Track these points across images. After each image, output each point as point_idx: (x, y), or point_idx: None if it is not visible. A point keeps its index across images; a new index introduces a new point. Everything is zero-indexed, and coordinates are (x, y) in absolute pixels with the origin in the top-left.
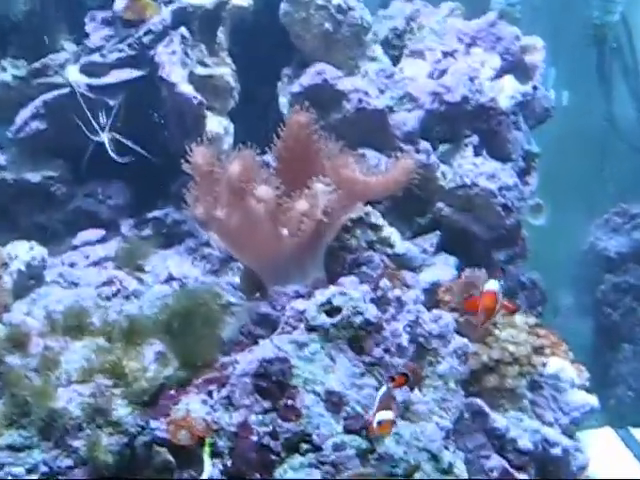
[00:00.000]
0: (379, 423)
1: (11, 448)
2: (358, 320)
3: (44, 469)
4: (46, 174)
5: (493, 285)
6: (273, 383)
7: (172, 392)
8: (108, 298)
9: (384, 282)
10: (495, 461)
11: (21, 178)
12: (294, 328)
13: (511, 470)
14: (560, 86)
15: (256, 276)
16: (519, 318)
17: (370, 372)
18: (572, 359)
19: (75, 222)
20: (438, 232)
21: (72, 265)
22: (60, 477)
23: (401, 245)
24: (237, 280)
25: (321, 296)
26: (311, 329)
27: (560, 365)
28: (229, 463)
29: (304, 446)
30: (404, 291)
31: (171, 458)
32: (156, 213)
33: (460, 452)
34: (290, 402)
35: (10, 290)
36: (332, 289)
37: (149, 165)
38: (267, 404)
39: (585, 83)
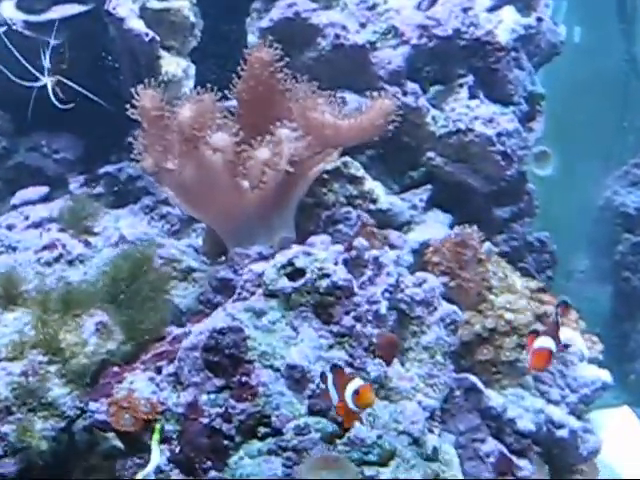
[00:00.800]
0: (356, 392)
1: None
2: (324, 284)
3: None
4: None
5: (546, 342)
6: (225, 357)
7: (116, 369)
8: (48, 264)
9: (359, 241)
10: (491, 445)
11: None
12: (251, 294)
13: (509, 455)
14: (572, 21)
15: (220, 237)
16: (519, 281)
17: (340, 344)
18: (584, 329)
19: (17, 180)
20: (429, 186)
21: (10, 228)
22: None
23: (386, 200)
24: (200, 242)
25: (282, 257)
26: (270, 295)
27: (568, 336)
28: (177, 449)
29: (262, 430)
30: (383, 251)
31: (118, 443)
32: (109, 168)
33: (450, 435)
34: (245, 379)
35: None
36: (295, 249)
37: (101, 114)
38: (219, 382)
39: (602, 19)
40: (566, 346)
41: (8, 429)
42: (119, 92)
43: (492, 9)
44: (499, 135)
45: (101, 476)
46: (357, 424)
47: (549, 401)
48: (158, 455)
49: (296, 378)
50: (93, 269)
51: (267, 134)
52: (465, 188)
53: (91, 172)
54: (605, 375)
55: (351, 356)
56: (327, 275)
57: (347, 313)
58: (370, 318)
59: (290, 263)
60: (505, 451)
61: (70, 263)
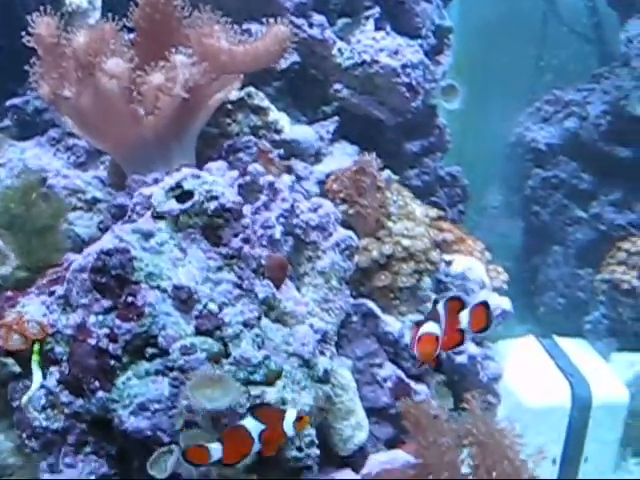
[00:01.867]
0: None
1: None
2: (213, 206)
3: None
4: None
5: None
6: (113, 278)
7: (9, 294)
8: None
9: (254, 167)
10: (389, 370)
11: None
12: (141, 217)
13: (407, 380)
14: None
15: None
16: (419, 209)
17: (228, 266)
18: (489, 260)
19: None
20: (336, 118)
21: None
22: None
23: (291, 131)
24: (106, 174)
25: (170, 179)
26: (158, 217)
27: (467, 264)
28: (67, 371)
29: (150, 350)
30: (278, 177)
31: (17, 369)
32: (15, 101)
33: (347, 360)
34: (131, 299)
35: None
36: (184, 172)
37: (4, 45)
38: (107, 303)
39: None
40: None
41: None
42: (22, 22)
43: None
44: (404, 67)
45: None
46: (243, 345)
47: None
48: (40, 376)
49: (183, 299)
50: None
51: (162, 60)
52: (373, 121)
53: None
54: (505, 303)
55: (240, 277)
56: (215, 197)
57: (236, 235)
58: (263, 242)
59: (178, 185)
60: (403, 376)
61: None
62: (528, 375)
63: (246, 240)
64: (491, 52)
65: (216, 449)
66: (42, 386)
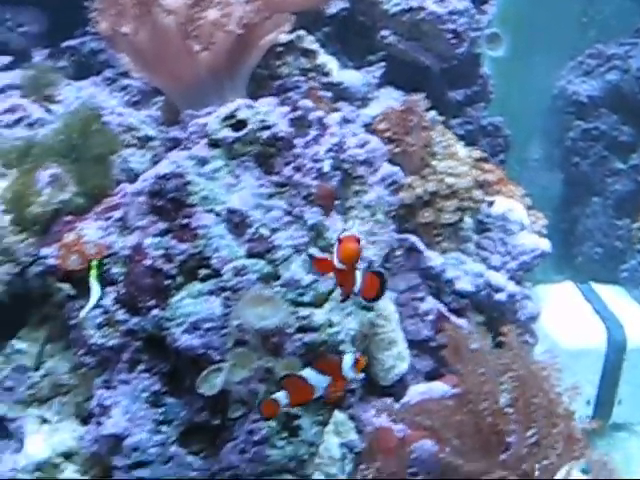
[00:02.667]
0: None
1: None
2: (265, 135)
3: None
4: None
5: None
6: (169, 201)
7: (68, 218)
8: (9, 126)
9: (304, 102)
10: (430, 304)
11: None
12: (196, 145)
13: (447, 314)
14: None
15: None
16: (463, 150)
17: (280, 193)
18: (529, 206)
19: None
20: (383, 63)
21: None
22: None
23: (339, 74)
24: (159, 113)
25: (225, 109)
26: (213, 144)
27: (508, 205)
28: (123, 290)
29: (203, 271)
30: (327, 113)
31: (72, 292)
32: (72, 42)
33: (390, 293)
34: (186, 221)
35: None
36: (238, 102)
37: None
38: (163, 225)
39: None
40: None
41: None
42: None
43: None
44: (450, 13)
45: (54, 325)
46: (293, 267)
47: (489, 266)
48: (97, 291)
49: (236, 222)
50: (51, 132)
51: None
52: (418, 67)
53: (55, 46)
54: (544, 244)
55: (290, 204)
56: (268, 127)
57: (287, 164)
58: (314, 174)
59: (233, 114)
60: (443, 310)
61: (30, 126)
62: (565, 318)
63: (297, 169)
64: (536, 6)
65: (282, 397)
66: (98, 305)
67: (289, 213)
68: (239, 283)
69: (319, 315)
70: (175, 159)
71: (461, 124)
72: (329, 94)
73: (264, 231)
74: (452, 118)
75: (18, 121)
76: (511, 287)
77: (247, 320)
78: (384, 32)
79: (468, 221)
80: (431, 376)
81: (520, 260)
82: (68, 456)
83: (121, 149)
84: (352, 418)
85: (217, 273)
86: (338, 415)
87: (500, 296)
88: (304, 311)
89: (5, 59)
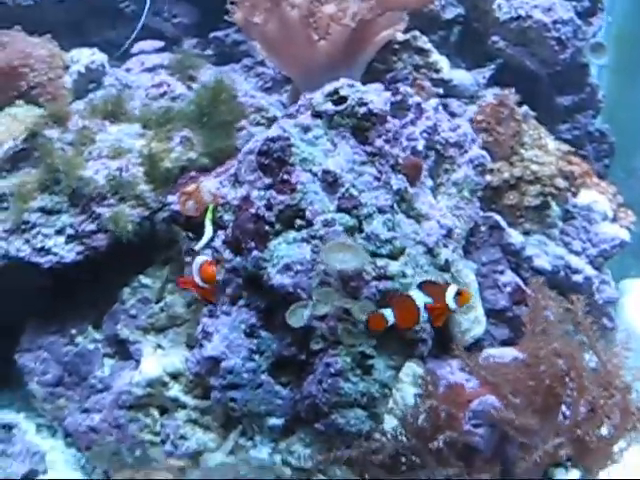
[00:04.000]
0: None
1: (43, 210)
2: (362, 110)
3: (70, 232)
4: None
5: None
6: (274, 160)
7: (193, 173)
8: (154, 98)
9: (405, 89)
10: (509, 277)
11: None
12: (302, 115)
13: (524, 287)
14: None
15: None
16: (552, 143)
17: (371, 162)
18: (620, 203)
19: (141, 39)
20: (493, 65)
21: (128, 70)
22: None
23: (450, 72)
24: (286, 98)
25: (330, 86)
26: (316, 115)
27: (594, 197)
28: (230, 234)
29: (298, 221)
30: (425, 98)
31: (187, 233)
32: (217, 33)
33: (473, 264)
34: (286, 177)
35: (70, 90)
36: (342, 81)
37: None
38: (268, 180)
39: None
40: None
41: (102, 211)
42: None
43: None
44: (555, 22)
45: (176, 266)
46: (375, 223)
47: (570, 251)
48: (211, 230)
49: (329, 182)
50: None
51: None
52: (527, 72)
53: (203, 36)
54: (624, 234)
55: (379, 172)
56: (365, 103)
57: (379, 136)
58: (408, 150)
59: (336, 91)
60: (521, 283)
61: (173, 99)
62: None
63: (387, 141)
64: None
65: (389, 314)
66: (209, 246)
67: (377, 179)
68: (327, 233)
69: (394, 266)
70: (283, 125)
71: (569, 129)
72: (440, 90)
73: (354, 191)
74: (561, 123)
75: (163, 95)
76: (589, 270)
77: (330, 263)
78: (494, 38)
79: (556, 209)
80: (506, 344)
81: (600, 247)
82: (175, 376)
83: (247, 123)
84: (429, 372)
85: (309, 223)
86: (417, 368)
87: (577, 278)
88: (381, 262)
89: (158, 44)
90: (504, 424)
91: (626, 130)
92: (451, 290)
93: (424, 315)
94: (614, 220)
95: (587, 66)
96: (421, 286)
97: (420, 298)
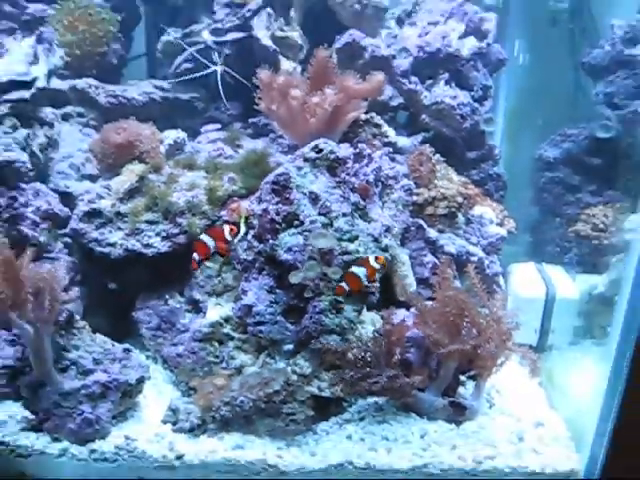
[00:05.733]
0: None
1: (148, 222)
2: (332, 156)
3: (164, 234)
4: (192, 95)
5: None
6: (281, 186)
7: (235, 198)
8: (214, 157)
9: (361, 145)
10: (429, 258)
11: (177, 97)
12: (297, 160)
13: (439, 263)
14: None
15: None
16: (455, 177)
17: (338, 186)
18: (506, 215)
19: (207, 123)
20: (423, 133)
21: (199, 142)
22: (171, 239)
23: (394, 137)
24: None
25: (313, 143)
26: (305, 160)
27: (483, 210)
28: (255, 230)
29: (295, 222)
30: (374, 151)
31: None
32: (253, 119)
33: (406, 250)
34: (287, 196)
35: (163, 155)
36: (320, 140)
37: (249, 89)
38: (277, 198)
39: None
40: None
41: (182, 221)
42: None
43: (460, 37)
44: (458, 104)
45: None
46: (340, 222)
47: (469, 242)
48: (244, 229)
49: (313, 198)
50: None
51: (320, 91)
52: (444, 137)
53: (245, 121)
54: (503, 231)
55: (343, 192)
56: (334, 152)
57: (343, 172)
58: (357, 176)
59: (316, 146)
60: (437, 261)
61: (225, 158)
62: (524, 280)
63: (348, 174)
64: (527, 109)
65: (345, 286)
66: (244, 239)
67: (342, 196)
68: (312, 228)
69: (352, 246)
70: (286, 166)
71: (477, 173)
72: (390, 149)
73: (327, 203)
74: (471, 169)
75: (219, 155)
76: (481, 254)
77: (314, 245)
78: (423, 116)
79: (460, 217)
80: (429, 299)
81: (489, 240)
82: (227, 320)
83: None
84: (381, 317)
85: (302, 223)
86: (374, 315)
87: (474, 258)
88: (344, 244)
89: (217, 126)
90: (427, 342)
91: (515, 172)
92: (371, 257)
93: (364, 279)
94: (499, 224)
95: (484, 132)
96: (356, 261)
97: (361, 271)
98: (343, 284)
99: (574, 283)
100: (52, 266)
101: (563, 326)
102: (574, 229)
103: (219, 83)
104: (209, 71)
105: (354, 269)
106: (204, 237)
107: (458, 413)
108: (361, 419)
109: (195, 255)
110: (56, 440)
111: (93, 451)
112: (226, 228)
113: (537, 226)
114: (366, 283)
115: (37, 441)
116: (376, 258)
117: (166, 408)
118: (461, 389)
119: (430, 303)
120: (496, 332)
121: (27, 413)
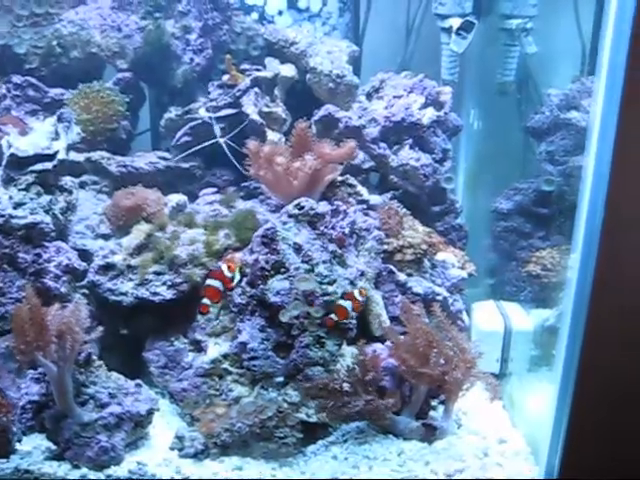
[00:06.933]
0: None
1: (155, 273)
2: (312, 212)
3: (169, 283)
4: (191, 163)
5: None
6: (269, 239)
7: (230, 251)
8: (211, 217)
9: (337, 202)
10: (399, 298)
11: (178, 166)
12: (282, 215)
13: (408, 302)
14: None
15: None
16: (421, 228)
17: (318, 238)
18: (467, 260)
19: (205, 188)
20: (392, 191)
21: (197, 204)
22: (175, 288)
23: (367, 196)
24: None
25: (296, 201)
26: (290, 216)
27: (446, 256)
28: (249, 277)
29: (282, 269)
30: (349, 208)
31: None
32: (245, 183)
33: (379, 292)
34: (273, 247)
35: (167, 215)
36: (302, 199)
37: (241, 157)
38: (266, 250)
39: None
40: None
41: (185, 271)
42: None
43: (421, 108)
44: (421, 166)
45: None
46: (321, 268)
47: (435, 284)
48: (238, 276)
49: (296, 248)
50: (230, 217)
51: (301, 157)
52: (410, 194)
53: (238, 186)
54: (464, 273)
55: (323, 242)
56: (314, 209)
57: (322, 226)
58: (334, 229)
59: (299, 204)
60: (407, 301)
61: (221, 217)
62: (485, 316)
63: (327, 227)
64: (482, 167)
65: (334, 316)
66: (239, 285)
67: (322, 246)
68: (297, 274)
69: (331, 288)
70: (273, 222)
71: (441, 225)
72: (363, 205)
73: (310, 253)
74: (436, 222)
75: (215, 215)
76: (445, 294)
77: (298, 287)
78: (391, 176)
79: (426, 262)
80: (401, 334)
81: (451, 281)
82: (225, 357)
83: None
84: (358, 350)
85: (287, 269)
86: (353, 349)
87: (439, 297)
88: (324, 286)
89: (213, 189)
90: (400, 370)
91: (474, 223)
92: (356, 291)
93: (351, 313)
94: (461, 268)
95: (445, 189)
96: (343, 296)
97: (347, 304)
98: (332, 316)
99: (529, 317)
100: (73, 310)
101: (520, 355)
102: (527, 270)
103: (227, 151)
104: (212, 142)
105: (341, 302)
106: (211, 282)
107: (430, 433)
108: (345, 441)
109: (206, 300)
110: (76, 467)
111: (109, 476)
112: (223, 267)
113: (495, 269)
114: (352, 314)
115: (59, 468)
116: (360, 292)
117: (173, 436)
118: (432, 412)
119: (402, 337)
120: (462, 361)
121: (50, 444)
